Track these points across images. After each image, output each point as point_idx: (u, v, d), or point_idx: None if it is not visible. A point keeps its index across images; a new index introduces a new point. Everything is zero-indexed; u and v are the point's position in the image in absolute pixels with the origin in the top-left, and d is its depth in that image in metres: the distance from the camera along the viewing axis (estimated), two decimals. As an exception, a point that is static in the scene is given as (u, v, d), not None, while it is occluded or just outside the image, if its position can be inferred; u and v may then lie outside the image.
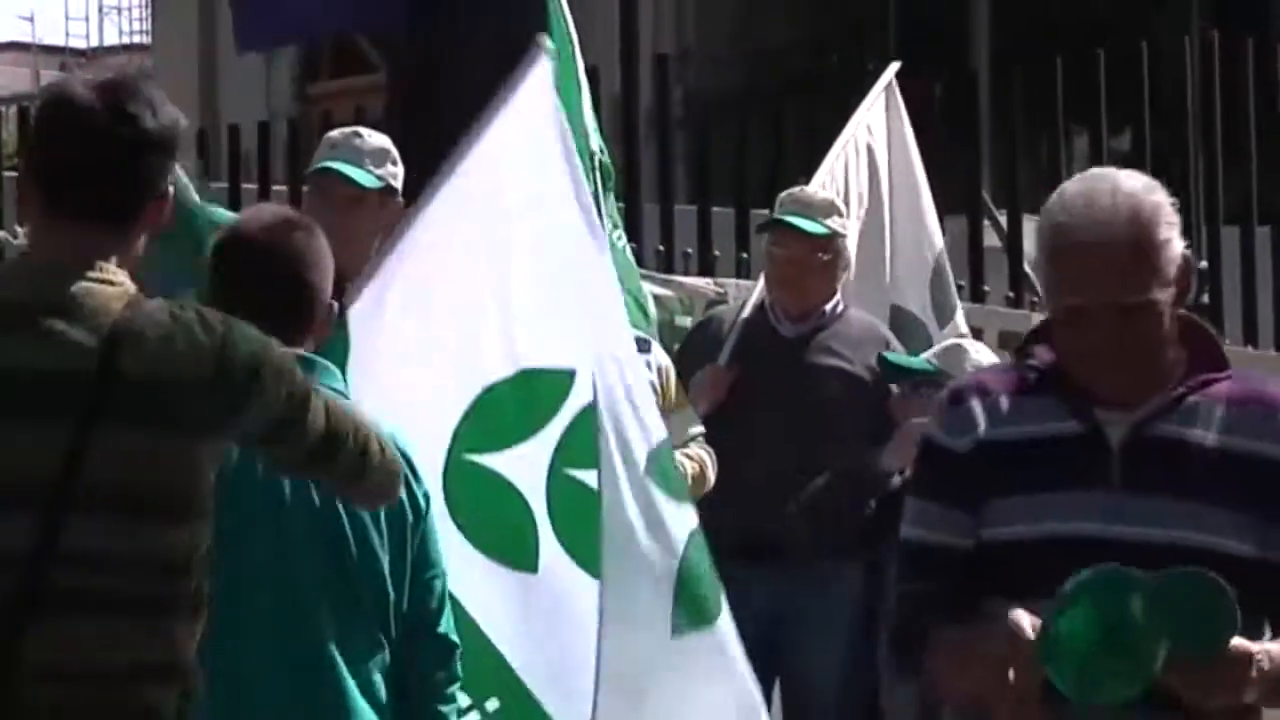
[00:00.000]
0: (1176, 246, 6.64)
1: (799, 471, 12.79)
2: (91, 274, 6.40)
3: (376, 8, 16.93)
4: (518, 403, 8.83)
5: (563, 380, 8.87)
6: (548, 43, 10.11)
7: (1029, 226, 15.08)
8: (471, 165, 9.06)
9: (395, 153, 11.66)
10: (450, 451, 8.68)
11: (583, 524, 8.72)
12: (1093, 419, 6.64)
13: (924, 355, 13.11)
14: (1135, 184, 6.68)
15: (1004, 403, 6.95)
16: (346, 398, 7.62)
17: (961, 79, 17.24)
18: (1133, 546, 6.36)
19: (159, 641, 6.29)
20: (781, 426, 12.42)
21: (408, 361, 8.73)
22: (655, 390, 11.11)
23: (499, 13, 13.82)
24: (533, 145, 9.26)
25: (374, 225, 10.89)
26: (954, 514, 6.86)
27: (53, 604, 6.16)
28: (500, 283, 9.02)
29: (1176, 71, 17.20)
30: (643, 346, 11.09)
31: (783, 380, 11.63)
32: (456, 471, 8.74)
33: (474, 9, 14.07)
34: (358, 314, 8.62)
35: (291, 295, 7.60)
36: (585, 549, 8.79)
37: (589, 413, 8.81)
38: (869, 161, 13.15)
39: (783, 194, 13.29)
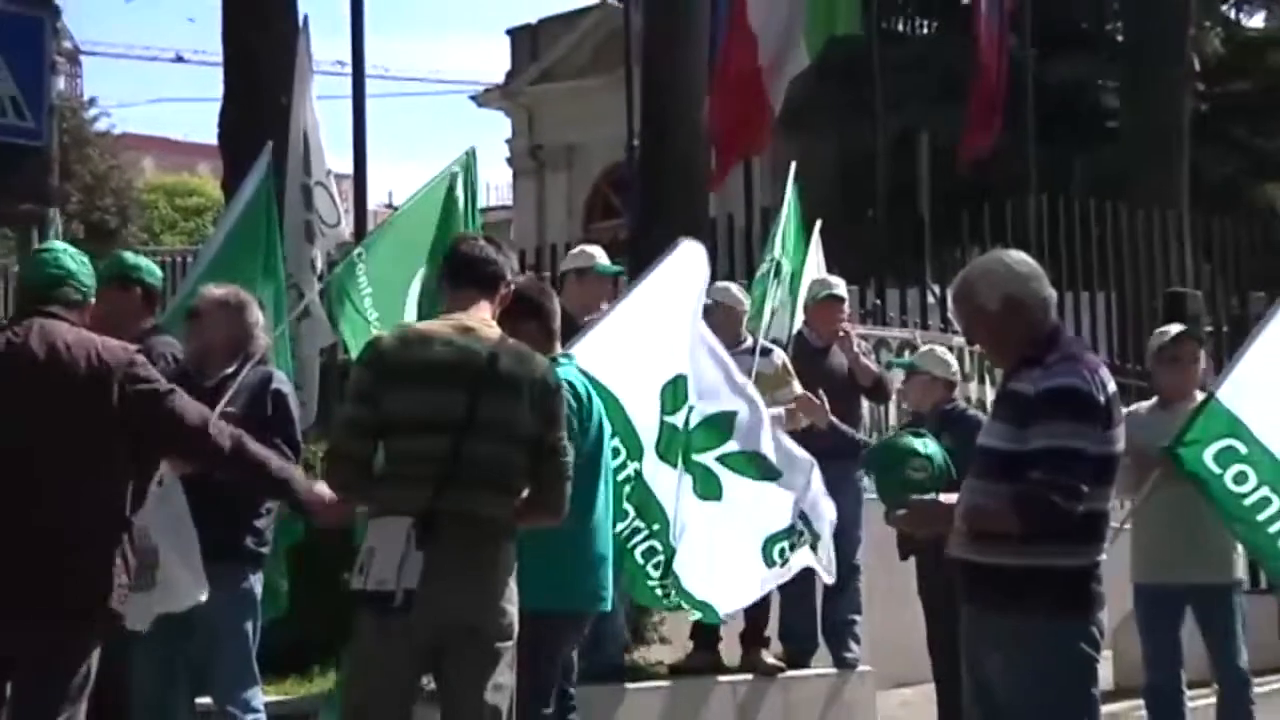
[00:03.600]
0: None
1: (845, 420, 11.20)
2: (477, 322, 6.46)
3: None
4: (675, 391, 8.72)
5: (685, 382, 8.79)
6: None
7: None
8: (652, 284, 9.08)
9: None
10: (660, 412, 8.63)
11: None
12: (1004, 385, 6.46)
13: None
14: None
15: None
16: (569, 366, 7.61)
17: (915, 221, 16.81)
18: (983, 449, 6.23)
19: (503, 504, 6.37)
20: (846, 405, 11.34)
21: (625, 365, 8.58)
22: (781, 369, 10.74)
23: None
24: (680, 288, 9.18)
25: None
26: None
27: (454, 481, 6.20)
28: (667, 340, 8.99)
29: (1040, 216, 16.78)
30: (768, 350, 10.74)
31: (817, 370, 11.10)
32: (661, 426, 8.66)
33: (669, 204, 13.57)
34: (583, 348, 8.38)
35: (547, 320, 7.47)
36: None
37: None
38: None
39: (819, 279, 12.11)
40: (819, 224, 12.62)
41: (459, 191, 9.75)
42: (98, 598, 6.55)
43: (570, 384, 7.22)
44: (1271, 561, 8.25)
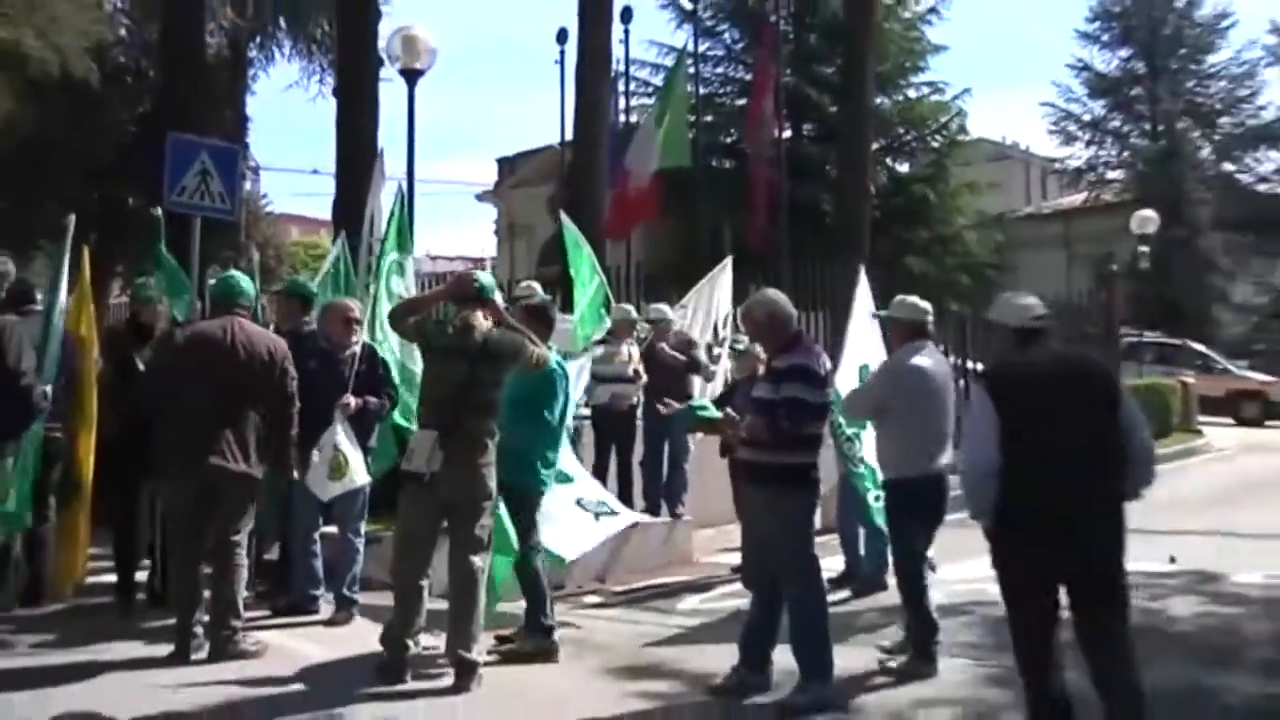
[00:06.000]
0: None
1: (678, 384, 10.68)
2: (476, 321, 6.35)
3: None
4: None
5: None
6: None
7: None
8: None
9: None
10: None
11: None
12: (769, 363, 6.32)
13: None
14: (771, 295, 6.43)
15: None
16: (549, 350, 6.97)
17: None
18: (755, 398, 6.18)
19: (489, 424, 6.29)
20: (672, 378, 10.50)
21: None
22: (629, 356, 10.43)
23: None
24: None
25: None
26: None
27: (464, 413, 6.18)
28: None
29: (790, 272, 17.01)
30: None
31: (662, 358, 10.66)
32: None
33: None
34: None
35: (549, 324, 6.97)
36: None
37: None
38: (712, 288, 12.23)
39: (655, 306, 11.66)
40: (729, 261, 12.52)
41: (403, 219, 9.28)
42: (248, 464, 6.77)
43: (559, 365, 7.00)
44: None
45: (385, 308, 8.46)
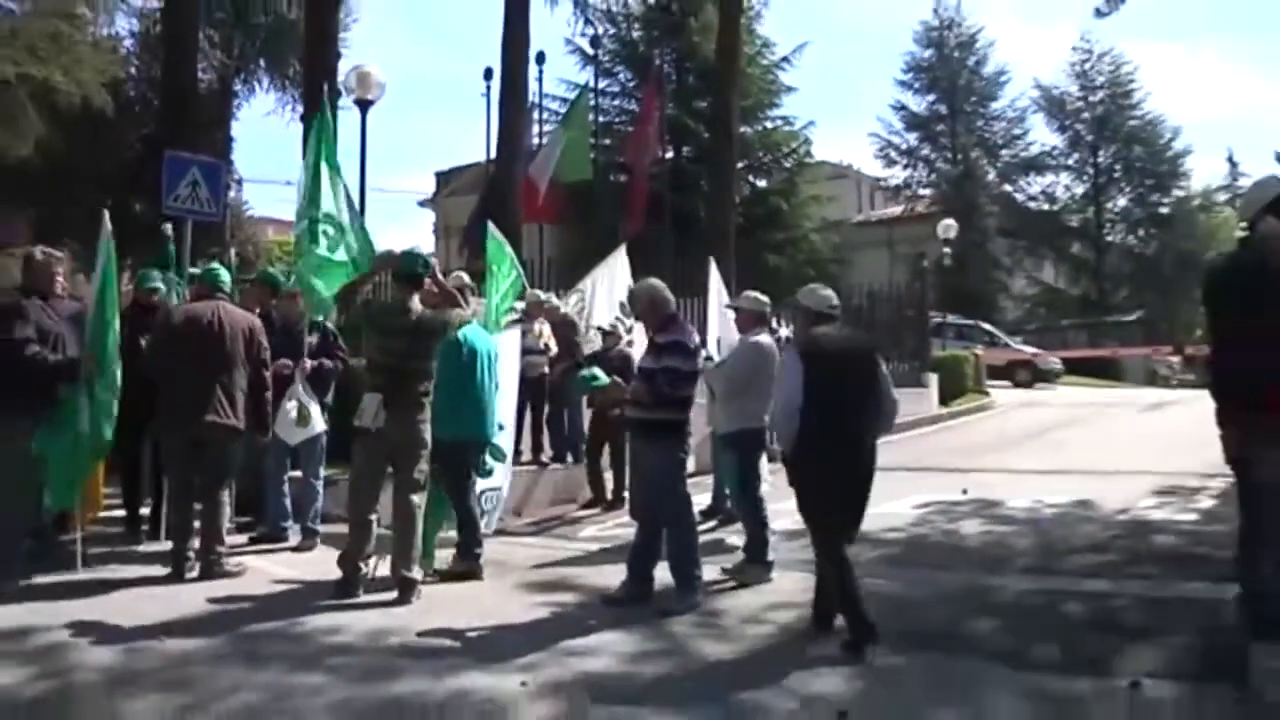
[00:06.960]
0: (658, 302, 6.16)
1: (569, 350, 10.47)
2: (412, 303, 6.24)
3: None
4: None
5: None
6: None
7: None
8: None
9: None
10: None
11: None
12: (651, 340, 6.19)
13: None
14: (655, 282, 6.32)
15: None
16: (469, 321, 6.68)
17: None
18: (639, 368, 6.18)
19: (419, 388, 6.16)
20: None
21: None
22: (540, 333, 10.03)
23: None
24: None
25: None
26: None
27: (401, 379, 6.06)
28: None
29: (672, 265, 16.91)
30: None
31: (556, 332, 10.30)
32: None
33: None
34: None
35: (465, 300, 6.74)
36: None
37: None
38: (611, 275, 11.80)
39: (547, 294, 10.95)
40: (623, 248, 11.74)
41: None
42: (235, 419, 6.65)
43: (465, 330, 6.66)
44: None
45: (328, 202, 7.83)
